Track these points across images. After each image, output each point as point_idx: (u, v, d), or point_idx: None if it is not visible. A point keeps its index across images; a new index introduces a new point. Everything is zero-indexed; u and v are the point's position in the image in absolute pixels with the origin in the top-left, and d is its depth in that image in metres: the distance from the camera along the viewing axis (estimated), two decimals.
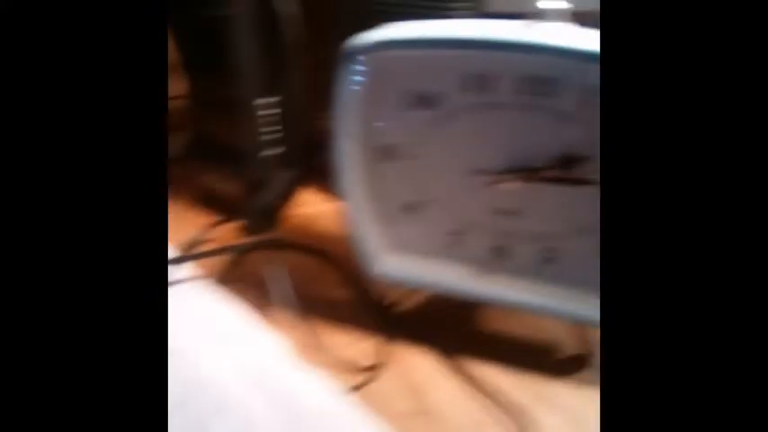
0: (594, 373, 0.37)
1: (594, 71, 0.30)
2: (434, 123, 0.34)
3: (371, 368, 0.37)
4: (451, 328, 0.40)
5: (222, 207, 0.54)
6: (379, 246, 0.39)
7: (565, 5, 0.30)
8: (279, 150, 0.51)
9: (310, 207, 0.56)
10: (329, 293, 0.44)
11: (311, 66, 0.49)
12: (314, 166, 0.55)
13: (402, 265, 0.39)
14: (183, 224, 0.51)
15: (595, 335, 0.38)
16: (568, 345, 0.39)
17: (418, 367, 0.38)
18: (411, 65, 0.33)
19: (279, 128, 0.50)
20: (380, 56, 0.33)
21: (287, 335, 0.39)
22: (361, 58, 0.33)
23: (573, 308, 0.35)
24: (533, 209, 0.35)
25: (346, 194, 0.36)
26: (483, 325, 0.41)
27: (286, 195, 0.55)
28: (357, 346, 0.39)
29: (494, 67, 0.32)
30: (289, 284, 0.43)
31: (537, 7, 0.31)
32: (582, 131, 0.31)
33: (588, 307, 0.35)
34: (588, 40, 0.29)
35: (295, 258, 0.47)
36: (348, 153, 0.35)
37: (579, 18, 0.31)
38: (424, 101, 0.34)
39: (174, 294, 0.41)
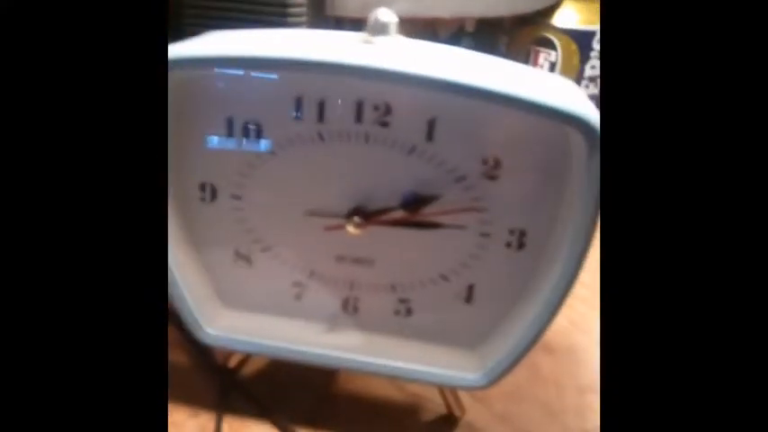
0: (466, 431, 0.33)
1: (440, 101, 0.25)
2: (261, 157, 0.28)
3: None
4: (302, 393, 0.34)
5: None
6: (208, 303, 0.32)
7: (397, 18, 0.25)
8: None
9: None
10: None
11: None
12: None
13: (237, 326, 0.32)
14: None
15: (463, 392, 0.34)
16: (437, 402, 0.34)
17: None
18: (226, 87, 0.27)
19: None
20: (186, 75, 0.26)
21: None
22: None
23: (435, 368, 0.30)
24: (383, 255, 0.29)
25: None
26: (339, 386, 0.35)
27: None
28: (189, 423, 0.32)
29: (328, 91, 0.26)
30: None
31: (379, 16, 0.25)
32: (429, 168, 0.27)
33: (450, 366, 0.30)
34: (434, 62, 0.24)
35: None
36: None
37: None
38: (246, 130, 0.28)
39: None
